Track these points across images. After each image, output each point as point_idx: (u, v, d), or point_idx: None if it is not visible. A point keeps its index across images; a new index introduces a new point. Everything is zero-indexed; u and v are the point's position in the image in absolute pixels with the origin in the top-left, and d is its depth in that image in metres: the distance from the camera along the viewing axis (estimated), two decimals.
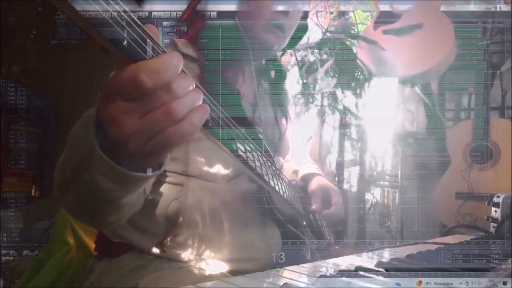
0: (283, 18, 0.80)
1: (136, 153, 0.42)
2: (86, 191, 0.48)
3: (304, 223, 0.91)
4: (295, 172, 1.00)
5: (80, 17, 0.36)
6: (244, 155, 0.58)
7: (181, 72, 0.42)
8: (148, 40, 0.40)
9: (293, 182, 0.94)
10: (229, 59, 0.80)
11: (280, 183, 0.76)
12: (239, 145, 0.56)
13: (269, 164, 0.71)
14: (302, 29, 0.89)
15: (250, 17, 0.81)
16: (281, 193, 0.75)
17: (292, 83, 1.58)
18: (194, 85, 0.43)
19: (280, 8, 0.79)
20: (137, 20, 0.39)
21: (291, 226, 0.82)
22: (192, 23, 0.84)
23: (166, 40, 0.84)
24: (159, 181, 0.79)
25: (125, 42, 0.38)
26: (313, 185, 0.94)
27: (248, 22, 0.80)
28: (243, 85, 0.84)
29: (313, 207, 0.90)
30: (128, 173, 0.44)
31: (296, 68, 1.63)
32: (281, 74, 0.94)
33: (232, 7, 0.83)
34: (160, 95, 0.39)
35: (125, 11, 0.38)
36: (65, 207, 0.64)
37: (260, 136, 0.80)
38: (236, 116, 0.76)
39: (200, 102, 0.43)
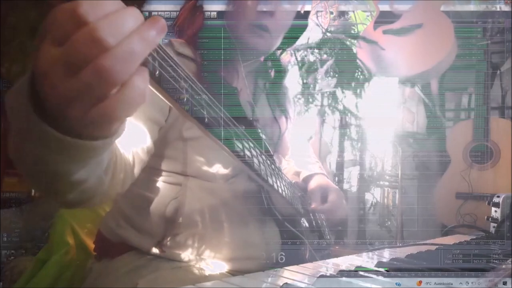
0: (268, 19, 0.79)
1: (75, 119, 0.36)
2: (32, 163, 0.43)
3: (305, 223, 0.91)
4: (297, 174, 1.00)
5: None
6: (242, 154, 0.57)
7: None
8: None
9: (293, 182, 0.94)
10: (223, 59, 0.80)
11: (280, 182, 0.76)
12: (237, 144, 0.56)
13: (269, 162, 0.71)
14: (299, 29, 0.88)
15: (235, 17, 0.80)
16: (280, 191, 0.75)
17: (292, 82, 1.58)
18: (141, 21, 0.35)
19: (265, 8, 0.79)
20: None
21: (290, 225, 0.82)
22: (189, 24, 0.83)
23: (165, 41, 0.84)
24: (157, 181, 0.79)
25: None
26: (313, 184, 0.94)
27: (233, 23, 0.80)
28: (239, 84, 0.84)
29: (312, 205, 0.90)
30: (64, 139, 0.38)
31: (296, 68, 1.63)
32: (280, 73, 0.94)
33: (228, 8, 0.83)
34: (92, 47, 0.32)
35: None
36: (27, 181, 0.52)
37: (260, 135, 0.80)
38: (235, 116, 0.76)
39: (138, 59, 0.35)
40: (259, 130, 0.80)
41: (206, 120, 0.49)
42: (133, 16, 0.34)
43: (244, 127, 0.60)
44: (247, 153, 0.59)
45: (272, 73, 0.93)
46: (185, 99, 0.45)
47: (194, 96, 0.47)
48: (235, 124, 0.56)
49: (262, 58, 0.89)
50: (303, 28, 0.89)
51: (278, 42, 0.84)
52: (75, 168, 0.44)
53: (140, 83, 0.35)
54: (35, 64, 0.34)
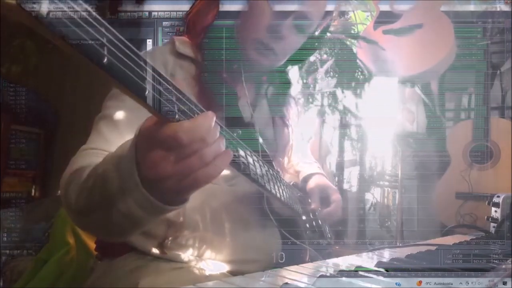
0: (276, 42, 0.78)
1: (170, 191, 0.49)
2: (118, 217, 0.54)
3: (304, 223, 0.91)
4: (297, 173, 1.00)
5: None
6: (238, 159, 0.57)
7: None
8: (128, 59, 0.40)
9: (292, 183, 0.94)
10: (225, 60, 0.80)
11: (278, 185, 0.76)
12: (232, 148, 0.56)
13: (266, 168, 0.71)
14: (309, 51, 0.88)
15: (245, 30, 0.80)
16: (278, 195, 0.75)
17: (292, 83, 1.58)
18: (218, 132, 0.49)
19: (275, 32, 0.77)
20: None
21: (290, 226, 0.82)
22: (202, 16, 0.83)
23: (166, 40, 0.84)
24: None
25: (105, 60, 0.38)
26: (312, 184, 0.94)
27: (242, 36, 0.79)
28: (240, 86, 0.83)
29: (312, 206, 0.90)
30: (163, 207, 0.51)
31: (296, 68, 1.63)
32: (285, 84, 0.94)
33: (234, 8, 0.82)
34: (194, 146, 0.46)
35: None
36: (83, 226, 0.69)
37: (258, 137, 0.80)
38: (234, 116, 0.76)
39: (223, 147, 0.49)
40: (258, 132, 0.80)
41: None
42: (219, 143, 0.48)
43: (242, 128, 0.61)
44: (243, 160, 0.59)
45: (276, 82, 0.92)
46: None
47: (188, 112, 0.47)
48: (231, 134, 0.56)
49: (264, 78, 0.88)
50: (313, 50, 0.88)
51: (283, 61, 0.83)
52: (152, 221, 0.57)
53: (222, 165, 0.49)
54: (143, 158, 0.48)
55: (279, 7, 0.77)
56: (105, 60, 0.38)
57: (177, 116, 0.45)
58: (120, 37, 0.39)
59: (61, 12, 0.36)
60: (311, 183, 0.94)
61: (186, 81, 0.78)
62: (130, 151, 0.49)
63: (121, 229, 0.58)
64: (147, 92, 0.41)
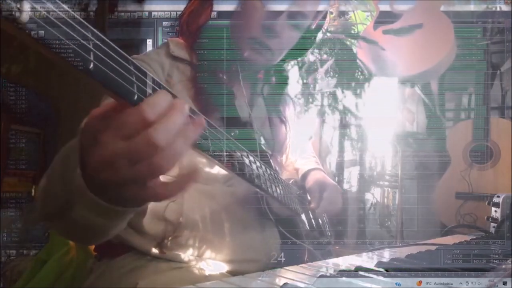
0: (272, 39, 0.78)
1: (126, 193, 0.43)
2: (74, 225, 0.50)
3: (304, 222, 0.91)
4: (296, 171, 1.00)
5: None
6: (233, 160, 0.57)
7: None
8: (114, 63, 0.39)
9: (291, 181, 0.94)
10: (222, 59, 0.80)
11: (276, 185, 0.75)
12: (230, 149, 0.56)
13: (264, 168, 0.71)
14: (306, 44, 0.87)
15: (239, 30, 0.80)
16: (276, 195, 0.75)
17: (292, 82, 1.58)
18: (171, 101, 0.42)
19: (269, 31, 0.77)
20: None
21: (290, 226, 0.82)
22: (196, 16, 0.83)
23: (164, 41, 0.84)
24: None
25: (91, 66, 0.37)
26: (311, 180, 0.94)
27: (237, 36, 0.79)
28: (237, 86, 0.83)
29: (312, 205, 0.90)
30: (121, 210, 0.46)
31: (296, 68, 1.63)
32: (282, 84, 0.94)
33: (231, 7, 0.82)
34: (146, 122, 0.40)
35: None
36: (54, 230, 0.66)
37: (256, 136, 0.80)
38: (232, 116, 0.75)
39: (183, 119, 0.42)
40: (256, 132, 0.80)
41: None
42: (180, 113, 0.42)
43: (240, 128, 0.60)
44: (238, 160, 0.58)
45: (273, 80, 0.92)
46: None
47: None
48: (229, 137, 0.56)
49: (261, 73, 0.88)
50: (310, 44, 0.88)
51: (279, 58, 0.83)
52: (115, 225, 0.51)
53: (180, 147, 0.42)
54: (99, 152, 0.41)
55: (272, 5, 0.78)
56: (91, 66, 0.36)
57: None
58: (106, 39, 0.38)
59: (43, 17, 0.34)
60: (310, 180, 0.94)
61: (182, 83, 0.78)
62: (73, 148, 0.45)
63: (85, 236, 0.55)
64: (135, 97, 0.40)
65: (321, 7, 0.83)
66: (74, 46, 0.36)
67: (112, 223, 0.49)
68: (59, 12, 0.35)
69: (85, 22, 0.36)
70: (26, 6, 0.33)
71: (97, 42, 0.37)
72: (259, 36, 0.78)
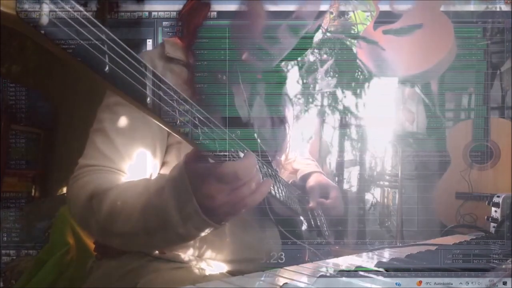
0: (271, 45, 0.79)
1: (224, 215, 0.58)
2: (172, 238, 0.61)
3: (304, 222, 0.91)
4: (295, 171, 1.00)
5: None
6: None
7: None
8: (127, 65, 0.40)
9: (290, 182, 0.94)
10: (221, 60, 0.79)
11: (276, 185, 0.75)
12: (232, 149, 0.57)
13: (265, 167, 0.71)
14: (305, 45, 0.88)
15: (239, 33, 0.79)
16: (278, 196, 0.75)
17: (292, 82, 1.58)
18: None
19: (270, 36, 0.78)
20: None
21: (290, 226, 0.82)
22: (194, 14, 0.82)
23: (160, 42, 0.83)
24: None
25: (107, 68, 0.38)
26: (311, 182, 0.94)
27: (237, 37, 0.79)
28: (236, 86, 0.83)
29: (311, 204, 0.90)
30: (217, 226, 0.59)
31: (296, 68, 1.63)
32: (280, 83, 0.94)
33: (231, 7, 0.82)
34: (245, 179, 0.56)
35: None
36: (116, 244, 0.71)
37: (256, 136, 0.80)
38: (232, 117, 0.75)
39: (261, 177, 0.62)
40: (256, 132, 0.80)
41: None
42: (267, 190, 0.61)
43: (241, 128, 0.62)
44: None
45: (271, 80, 0.92)
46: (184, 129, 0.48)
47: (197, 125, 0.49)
48: (230, 136, 0.56)
49: (259, 77, 0.88)
50: (309, 44, 0.89)
51: (277, 62, 0.84)
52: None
53: (264, 191, 0.60)
54: (200, 191, 0.56)
55: (273, 9, 0.78)
56: (107, 68, 0.37)
57: (178, 121, 0.45)
58: (121, 42, 0.38)
59: (61, 20, 0.34)
60: (310, 181, 0.94)
61: (177, 86, 0.77)
62: (183, 183, 0.56)
63: (167, 246, 0.71)
64: (148, 99, 0.41)
65: (323, 7, 0.83)
66: (90, 49, 0.36)
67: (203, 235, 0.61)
68: (73, 12, 0.35)
69: (100, 25, 0.37)
70: (46, 9, 0.33)
71: (111, 44, 0.38)
72: (259, 39, 0.78)
